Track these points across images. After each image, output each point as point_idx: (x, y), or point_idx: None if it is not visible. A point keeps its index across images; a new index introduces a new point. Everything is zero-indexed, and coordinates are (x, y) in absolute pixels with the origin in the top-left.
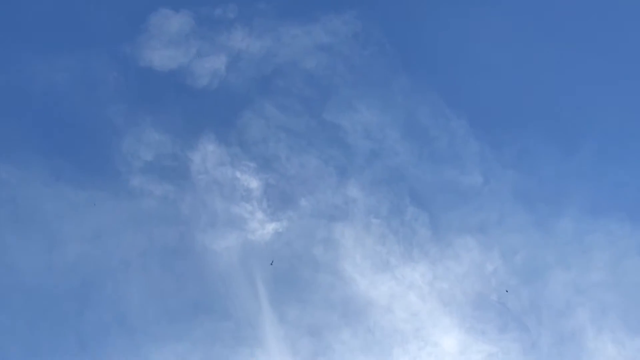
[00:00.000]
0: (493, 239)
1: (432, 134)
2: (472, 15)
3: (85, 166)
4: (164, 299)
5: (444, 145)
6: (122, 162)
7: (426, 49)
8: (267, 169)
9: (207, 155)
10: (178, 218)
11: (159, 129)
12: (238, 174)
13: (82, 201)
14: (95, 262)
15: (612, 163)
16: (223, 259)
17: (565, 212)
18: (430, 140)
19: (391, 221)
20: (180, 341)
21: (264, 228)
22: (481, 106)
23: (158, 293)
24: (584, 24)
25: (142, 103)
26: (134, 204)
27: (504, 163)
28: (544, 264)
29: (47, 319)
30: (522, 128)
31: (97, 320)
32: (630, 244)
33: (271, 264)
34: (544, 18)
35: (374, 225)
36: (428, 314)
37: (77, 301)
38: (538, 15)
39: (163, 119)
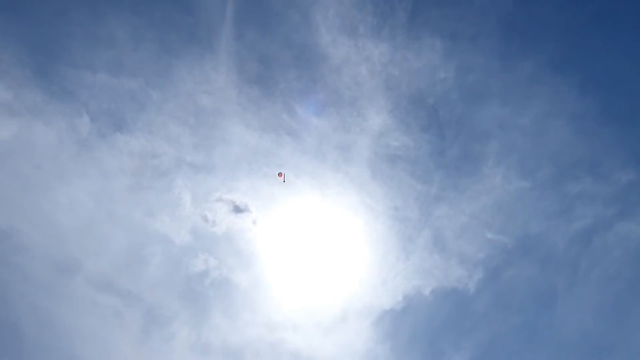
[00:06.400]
0: (457, 52)
1: None
2: None
3: None
4: None
5: None
6: None
7: None
8: None
9: None
10: None
11: None
12: None
13: None
14: None
15: None
16: None
17: (532, 57)
18: None
19: None
20: (140, 16)
21: None
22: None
23: None
24: None
25: None
26: None
27: None
28: (489, 92)
29: None
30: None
31: None
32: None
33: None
34: None
35: None
36: (370, 89)
37: None
38: None
39: None
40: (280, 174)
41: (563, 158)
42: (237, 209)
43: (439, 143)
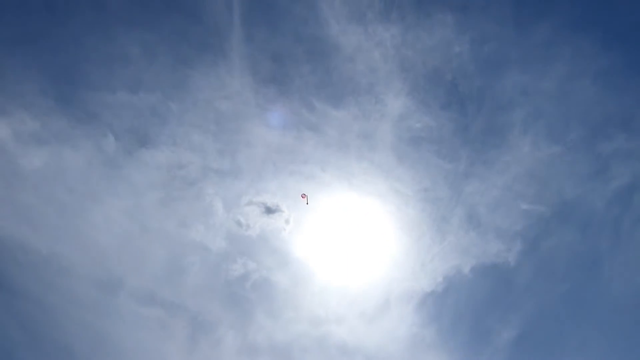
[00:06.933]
0: (470, 24)
1: None
2: None
3: None
4: None
5: None
6: None
7: None
8: None
9: None
10: None
11: None
12: None
13: None
14: None
15: None
16: None
17: (549, 18)
18: None
19: None
20: (150, 31)
21: None
22: None
23: None
24: None
25: None
26: None
27: None
28: (507, 60)
29: None
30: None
31: None
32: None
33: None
34: None
35: None
36: (386, 74)
37: None
38: None
39: None
40: (303, 195)
41: (592, 118)
42: (269, 210)
43: (462, 119)
